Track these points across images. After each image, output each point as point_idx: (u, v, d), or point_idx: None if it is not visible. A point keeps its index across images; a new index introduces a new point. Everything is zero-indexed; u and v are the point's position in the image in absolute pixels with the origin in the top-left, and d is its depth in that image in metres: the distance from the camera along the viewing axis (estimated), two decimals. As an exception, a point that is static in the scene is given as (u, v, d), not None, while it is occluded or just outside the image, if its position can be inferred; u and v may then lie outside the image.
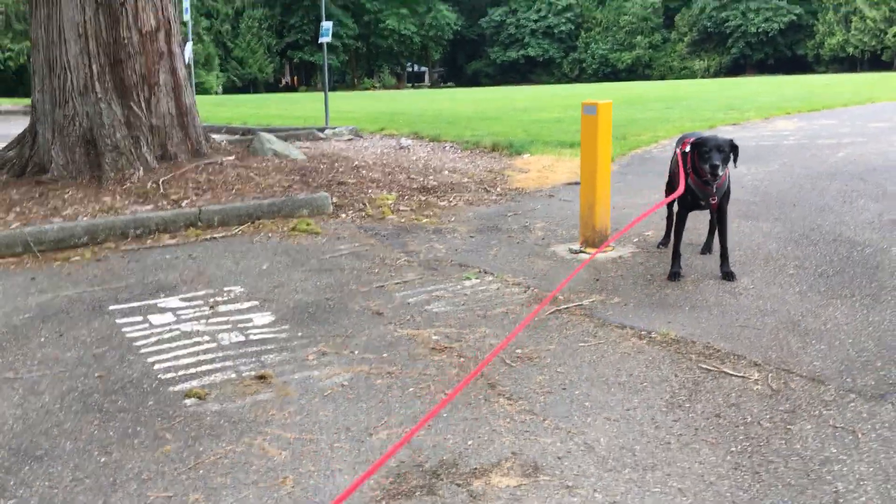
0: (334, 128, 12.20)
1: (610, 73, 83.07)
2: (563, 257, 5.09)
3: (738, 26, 78.29)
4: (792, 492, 2.31)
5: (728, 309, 3.96)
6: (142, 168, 6.81)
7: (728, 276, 4.41)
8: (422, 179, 7.73)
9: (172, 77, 7.27)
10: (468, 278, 4.66)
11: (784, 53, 79.59)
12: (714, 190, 4.28)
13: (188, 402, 3.05)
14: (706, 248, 5.00)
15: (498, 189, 7.64)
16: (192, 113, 7.53)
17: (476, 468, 2.51)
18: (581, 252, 5.11)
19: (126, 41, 6.91)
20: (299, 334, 3.76)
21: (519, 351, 3.50)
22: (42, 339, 3.76)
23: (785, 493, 2.30)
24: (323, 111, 14.39)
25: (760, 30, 77.14)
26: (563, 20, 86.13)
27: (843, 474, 2.39)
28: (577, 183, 7.90)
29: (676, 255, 4.53)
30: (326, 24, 12.53)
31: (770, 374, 3.15)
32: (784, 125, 12.84)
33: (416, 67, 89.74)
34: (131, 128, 6.95)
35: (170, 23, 7.27)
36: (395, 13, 72.83)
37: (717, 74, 76.33)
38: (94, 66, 6.81)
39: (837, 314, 3.81)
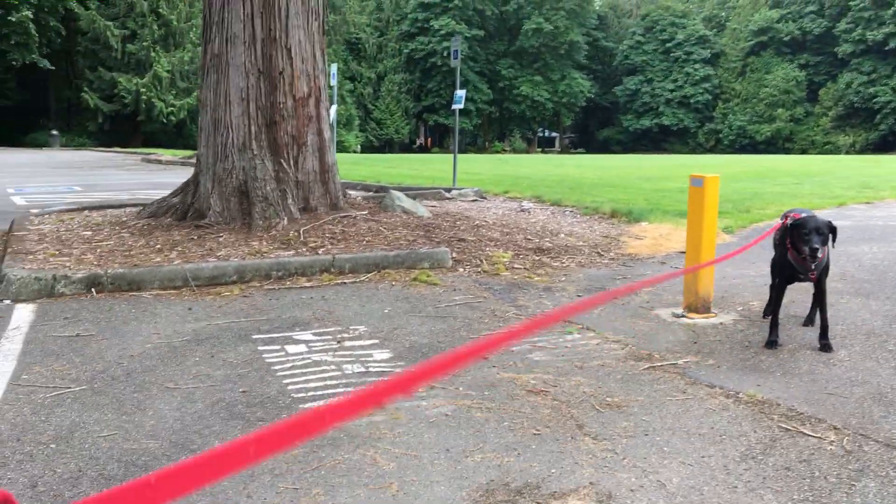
0: (460, 189, 12.87)
1: (748, 144, 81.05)
2: (664, 319, 5.35)
3: (888, 102, 74.85)
4: (843, 537, 2.52)
5: (818, 377, 4.12)
6: (286, 218, 7.60)
7: (825, 347, 4.55)
8: (538, 241, 8.15)
9: (318, 138, 8.11)
10: (570, 332, 5.01)
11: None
12: (813, 266, 4.45)
13: (314, 417, 3.55)
14: (808, 321, 5.12)
15: (611, 254, 7.94)
16: (332, 171, 8.32)
17: (555, 491, 2.85)
18: (683, 316, 5.34)
19: (281, 105, 7.81)
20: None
21: (609, 399, 3.81)
22: (196, 359, 4.41)
23: (836, 537, 2.52)
24: (451, 172, 15.14)
25: (912, 106, 73.50)
26: (701, 90, 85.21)
27: (897, 528, 2.57)
28: (679, 252, 8.10)
29: (774, 325, 4.71)
30: (460, 93, 13.33)
31: (846, 438, 3.32)
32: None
33: (546, 133, 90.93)
34: (280, 182, 7.79)
35: (320, 90, 8.14)
36: (530, 80, 74.49)
37: (863, 151, 73.01)
38: (252, 127, 7.73)
39: (929, 390, 3.90)
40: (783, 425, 3.47)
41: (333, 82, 15.92)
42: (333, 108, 15.80)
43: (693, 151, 77.79)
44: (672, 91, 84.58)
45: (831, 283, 5.56)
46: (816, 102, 79.78)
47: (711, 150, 79.87)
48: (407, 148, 69.62)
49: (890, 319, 5.28)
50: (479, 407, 3.69)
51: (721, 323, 5.24)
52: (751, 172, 21.89)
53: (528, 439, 3.32)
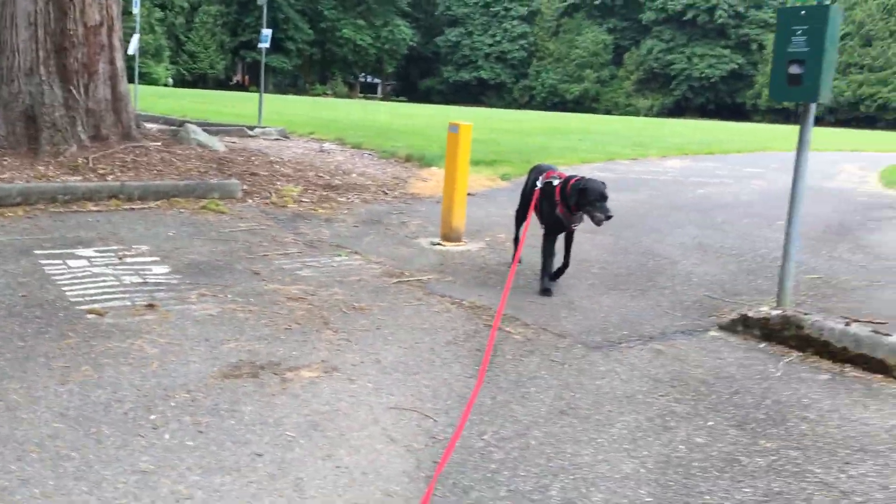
0: (264, 128, 13.15)
1: (558, 102, 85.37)
2: (422, 247, 6.19)
3: (683, 70, 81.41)
4: (509, 390, 3.40)
5: (529, 291, 5.10)
6: (75, 145, 7.69)
7: (558, 275, 5.46)
8: (329, 178, 8.78)
9: (111, 67, 8.17)
10: (339, 255, 5.72)
11: (724, 100, 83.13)
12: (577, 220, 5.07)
13: (90, 316, 4.02)
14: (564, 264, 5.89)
15: (396, 192, 8.73)
16: (125, 100, 8.42)
17: (293, 366, 3.55)
18: (438, 244, 6.21)
19: (72, 32, 7.79)
20: (187, 282, 4.76)
21: (356, 304, 4.56)
22: (-24, 270, 4.67)
23: (497, 390, 3.40)
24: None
25: (703, 75, 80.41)
26: (517, 47, 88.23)
27: (539, 384, 3.50)
28: (468, 194, 9.05)
29: (547, 273, 5.15)
30: (266, 32, 13.50)
31: (531, 330, 4.28)
32: (673, 164, 14.29)
33: (369, 79, 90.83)
34: (69, 109, 7.82)
35: (113, 19, 8.17)
36: (353, 23, 73.85)
37: (660, 114, 79.19)
38: (40, 52, 7.68)
39: (606, 299, 4.99)
40: (488, 323, 4.37)
41: (136, 10, 15.42)
42: (136, 38, 15.34)
43: (509, 106, 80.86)
44: (490, 45, 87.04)
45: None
46: (621, 66, 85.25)
47: (525, 106, 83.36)
48: (223, 84, 67.04)
49: (604, 251, 6.44)
50: (243, 310, 4.31)
51: (468, 250, 6.16)
52: (546, 128, 23.63)
53: (279, 332, 3.99)
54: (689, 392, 3.53)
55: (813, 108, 4.52)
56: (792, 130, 37.15)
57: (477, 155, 12.54)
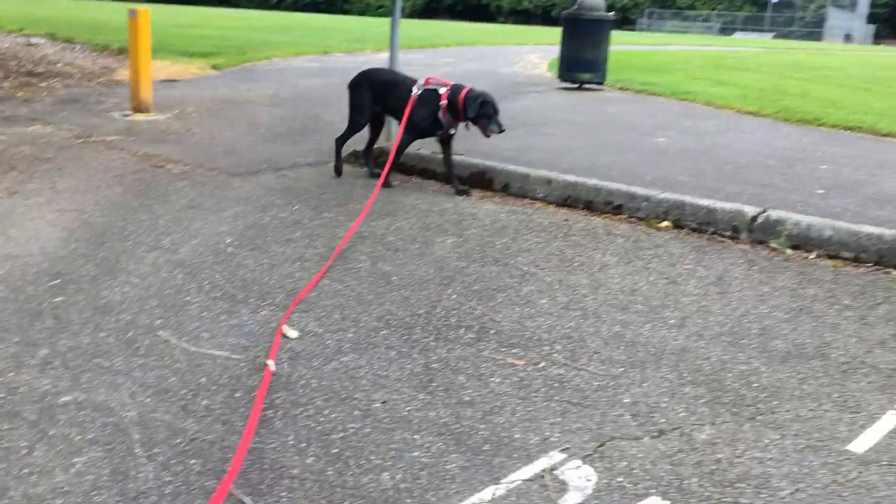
0: (-35, 22, 12.81)
1: (310, 3, 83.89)
2: (114, 117, 7.17)
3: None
4: (154, 198, 4.68)
5: (198, 144, 6.35)
6: None
7: (462, 192, 6.60)
8: (31, 67, 9.25)
9: None
10: (34, 125, 6.56)
11: (471, 1, 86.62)
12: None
13: None
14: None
15: (101, 79, 9.42)
16: None
17: (-22, 194, 4.57)
18: (128, 115, 7.21)
19: None
20: None
21: (42, 156, 5.55)
22: None
23: (145, 198, 4.66)
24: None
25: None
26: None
27: (180, 194, 4.82)
28: (171, 81, 9.95)
29: (393, 169, 5.28)
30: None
31: (189, 167, 5.56)
32: (383, 56, 15.83)
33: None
34: None
35: None
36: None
37: (411, 15, 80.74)
38: None
39: (262, 147, 6.37)
40: (153, 164, 5.58)
41: None
42: None
43: (259, 7, 78.15)
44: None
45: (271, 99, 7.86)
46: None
47: (277, 7, 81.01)
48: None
49: (277, 117, 7.79)
50: (-64, 163, 5.16)
51: (155, 119, 7.24)
52: (276, 25, 24.25)
53: (-31, 176, 4.94)
54: (290, 194, 5.03)
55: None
56: (524, 30, 40.38)
57: (196, 47, 13.28)
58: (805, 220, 4.31)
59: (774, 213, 4.41)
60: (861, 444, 2.40)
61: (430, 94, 5.06)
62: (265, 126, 7.33)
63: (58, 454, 2.15)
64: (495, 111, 4.94)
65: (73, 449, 2.17)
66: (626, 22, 74.60)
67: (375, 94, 5.36)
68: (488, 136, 5.04)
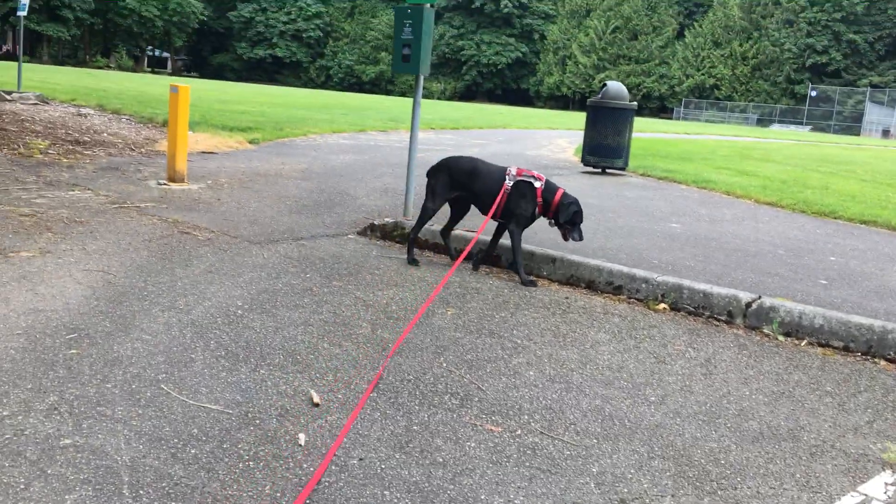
0: (22, 93, 13.63)
1: (355, 83, 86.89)
2: (149, 185, 7.56)
3: (472, 56, 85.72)
4: (179, 261, 4.95)
5: (225, 214, 6.67)
6: None
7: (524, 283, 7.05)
8: (78, 136, 9.80)
9: None
10: (73, 190, 6.96)
11: (510, 86, 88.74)
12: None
13: None
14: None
15: (143, 150, 9.92)
16: None
17: (14, 251, 4.88)
18: (163, 184, 7.61)
19: None
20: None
21: (77, 219, 5.90)
22: None
23: (171, 262, 4.94)
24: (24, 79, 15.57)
25: (491, 62, 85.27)
26: (313, 26, 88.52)
27: (202, 259, 5.09)
28: (209, 153, 10.44)
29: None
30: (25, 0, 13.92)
31: (213, 234, 5.86)
32: (424, 136, 16.36)
33: (158, 52, 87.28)
34: None
35: None
36: (137, -7, 70.85)
37: (451, 98, 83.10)
38: None
39: (285, 219, 6.67)
40: (180, 230, 5.90)
41: None
42: None
43: (305, 86, 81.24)
44: (285, 23, 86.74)
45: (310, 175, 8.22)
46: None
47: (322, 86, 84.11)
48: (-11, 53, 62.04)
49: (304, 189, 8.13)
50: (-21, 221, 5.53)
51: (189, 188, 7.62)
52: (317, 104, 25.19)
53: (7, 234, 5.27)
54: (305, 262, 5.28)
55: (421, 78, 6.45)
56: (557, 114, 41.23)
57: (235, 122, 13.91)
58: (798, 307, 4.41)
59: (769, 301, 4.53)
60: (816, 522, 2.47)
61: (526, 187, 5.10)
62: (293, 198, 7.66)
63: (52, 491, 2.32)
64: (581, 220, 5.07)
65: (67, 487, 2.35)
66: (663, 110, 75.85)
67: (455, 182, 5.33)
68: (567, 241, 5.18)
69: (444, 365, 3.60)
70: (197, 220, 6.30)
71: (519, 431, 2.98)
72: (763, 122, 67.46)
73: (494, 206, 5.08)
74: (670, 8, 78.86)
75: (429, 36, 6.31)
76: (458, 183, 5.34)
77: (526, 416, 3.12)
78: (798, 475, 2.78)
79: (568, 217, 5.03)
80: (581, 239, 5.13)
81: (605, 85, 11.34)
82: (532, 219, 5.17)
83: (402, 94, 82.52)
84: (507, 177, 5.13)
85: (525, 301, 4.75)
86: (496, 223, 5.37)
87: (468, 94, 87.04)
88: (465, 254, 5.39)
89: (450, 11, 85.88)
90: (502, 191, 5.08)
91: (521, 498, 2.51)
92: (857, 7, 64.15)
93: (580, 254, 5.42)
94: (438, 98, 79.55)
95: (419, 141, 7.18)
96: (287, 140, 13.05)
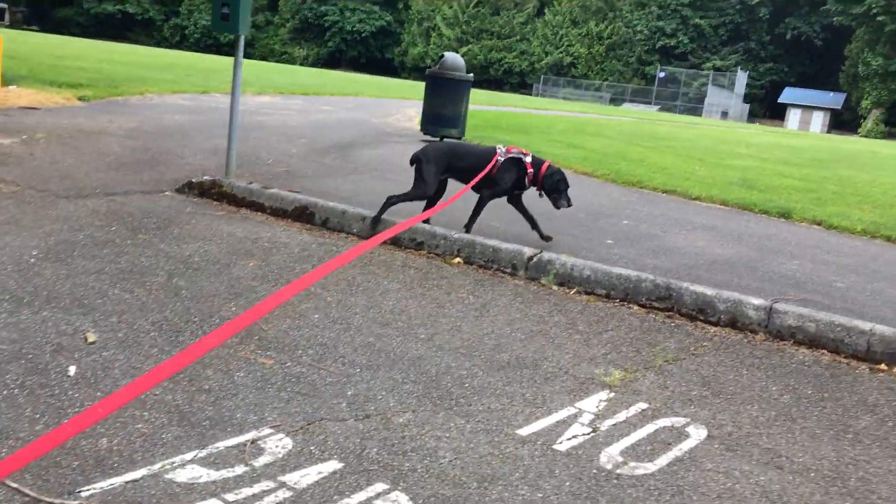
0: None
1: (212, 44, 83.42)
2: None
3: (336, 22, 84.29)
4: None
5: (39, 167, 6.52)
6: None
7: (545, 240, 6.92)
8: None
9: None
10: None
11: (375, 55, 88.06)
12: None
13: None
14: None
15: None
16: None
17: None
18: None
19: None
20: None
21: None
22: None
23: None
24: None
25: (355, 29, 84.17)
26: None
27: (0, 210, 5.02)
28: (31, 108, 10.01)
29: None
30: None
31: (19, 189, 5.74)
32: (262, 99, 16.18)
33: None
34: None
35: None
36: (-35, -65, 64.74)
37: (314, 64, 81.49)
38: None
39: (101, 175, 6.59)
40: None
41: None
42: None
43: (158, 45, 77.21)
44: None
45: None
46: (276, 12, 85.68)
47: (177, 46, 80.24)
48: None
49: (125, 147, 8.02)
50: None
51: (2, 143, 7.34)
52: (162, 64, 24.27)
53: None
54: (112, 216, 5.30)
55: (241, 38, 6.53)
56: (416, 85, 41.63)
57: (67, 78, 13.30)
58: (571, 261, 4.93)
59: (547, 255, 5.02)
60: (528, 429, 2.91)
61: (516, 161, 5.44)
62: (114, 155, 7.55)
63: None
64: (566, 187, 5.47)
65: None
66: (523, 86, 77.77)
67: (443, 165, 5.49)
68: (558, 208, 5.50)
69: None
70: (4, 174, 6.13)
71: (289, 364, 3.26)
72: (616, 100, 70.65)
73: (479, 177, 5.33)
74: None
75: (249, -3, 6.39)
76: (447, 165, 5.50)
77: (300, 352, 3.40)
78: (528, 395, 3.22)
79: (553, 185, 5.42)
80: (570, 205, 5.50)
81: (442, 56, 11.71)
82: (505, 192, 5.53)
83: (263, 58, 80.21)
84: (497, 152, 5.45)
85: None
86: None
87: (332, 62, 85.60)
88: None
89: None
90: (492, 162, 5.38)
91: (275, 415, 2.79)
92: (703, -8, 68.15)
93: (401, 213, 5.75)
94: (301, 64, 77.87)
95: (258, 103, 7.26)
96: (121, 98, 12.62)
